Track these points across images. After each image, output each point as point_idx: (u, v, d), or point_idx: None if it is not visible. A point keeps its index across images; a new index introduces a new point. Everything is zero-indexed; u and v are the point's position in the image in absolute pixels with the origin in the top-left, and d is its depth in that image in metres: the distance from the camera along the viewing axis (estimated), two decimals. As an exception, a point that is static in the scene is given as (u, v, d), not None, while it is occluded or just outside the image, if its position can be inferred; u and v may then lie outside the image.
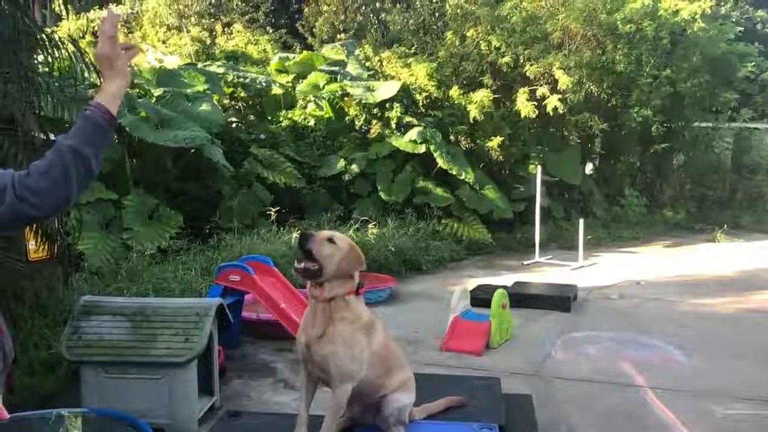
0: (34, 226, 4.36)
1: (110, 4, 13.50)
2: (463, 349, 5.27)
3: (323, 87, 10.66)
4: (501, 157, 11.07)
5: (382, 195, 9.62)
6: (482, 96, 10.40)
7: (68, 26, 11.26)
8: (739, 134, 14.14)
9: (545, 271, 8.69)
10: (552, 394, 4.45)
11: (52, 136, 4.66)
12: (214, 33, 14.22)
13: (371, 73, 11.32)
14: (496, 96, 10.76)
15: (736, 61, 12.83)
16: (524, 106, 10.53)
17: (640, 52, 11.02)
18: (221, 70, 10.57)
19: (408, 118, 10.32)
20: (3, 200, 1.64)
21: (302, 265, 2.86)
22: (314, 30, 15.01)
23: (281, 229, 7.94)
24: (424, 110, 10.88)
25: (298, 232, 7.65)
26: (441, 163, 9.73)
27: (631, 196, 12.41)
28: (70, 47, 4.51)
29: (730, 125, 13.60)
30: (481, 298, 6.28)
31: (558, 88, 10.59)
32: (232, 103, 11.17)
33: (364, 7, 15.34)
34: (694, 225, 12.62)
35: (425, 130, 9.94)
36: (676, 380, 4.69)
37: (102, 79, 1.81)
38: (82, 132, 1.71)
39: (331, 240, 2.89)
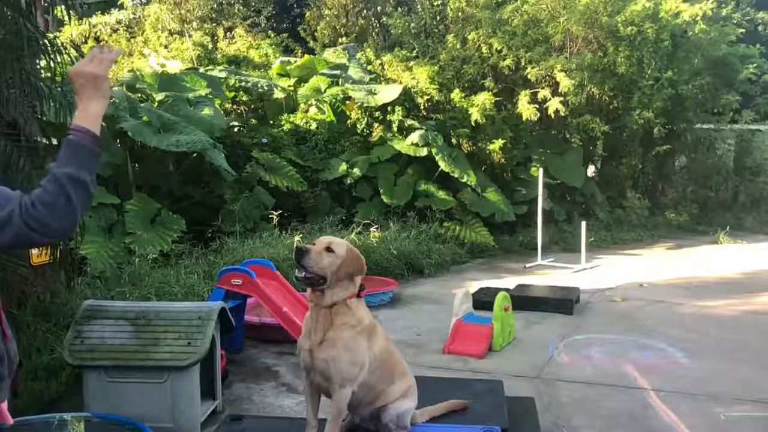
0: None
1: (113, 8, 13.54)
2: (465, 352, 5.26)
3: (325, 91, 10.67)
4: (503, 160, 11.08)
5: (384, 198, 9.62)
6: (484, 99, 10.41)
7: (70, 31, 11.28)
8: (741, 136, 14.12)
9: (547, 274, 8.68)
10: (555, 397, 4.44)
11: (54, 141, 4.68)
12: (215, 37, 14.25)
13: (373, 76, 11.33)
14: (497, 99, 10.77)
15: (737, 62, 12.82)
16: (526, 108, 10.54)
17: (641, 55, 11.02)
18: (223, 75, 10.59)
19: (410, 122, 10.32)
20: (10, 225, 1.68)
21: (303, 274, 2.84)
22: (316, 34, 15.03)
23: (283, 232, 7.95)
24: (425, 113, 10.90)
25: (300, 236, 7.66)
26: (443, 166, 9.74)
27: (633, 198, 12.39)
28: (73, 52, 4.54)
29: (732, 127, 13.58)
30: (483, 300, 6.28)
31: (559, 90, 10.60)
32: (234, 107, 11.19)
33: (365, 11, 15.37)
34: (696, 227, 12.59)
35: (427, 133, 9.95)
36: (679, 383, 4.68)
37: (81, 99, 1.79)
38: (75, 158, 1.73)
39: (329, 248, 2.85)
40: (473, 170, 10.12)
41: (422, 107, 10.77)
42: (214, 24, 15.06)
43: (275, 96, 10.89)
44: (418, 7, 12.96)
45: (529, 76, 10.73)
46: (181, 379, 3.71)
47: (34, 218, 1.67)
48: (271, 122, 10.82)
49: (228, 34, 14.56)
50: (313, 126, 10.62)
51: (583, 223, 9.47)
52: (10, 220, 1.67)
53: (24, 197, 1.70)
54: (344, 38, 14.54)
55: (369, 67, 11.65)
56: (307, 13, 15.62)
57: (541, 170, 9.88)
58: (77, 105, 1.79)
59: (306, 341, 2.94)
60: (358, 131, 10.55)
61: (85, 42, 12.24)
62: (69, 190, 1.68)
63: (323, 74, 10.96)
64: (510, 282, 7.71)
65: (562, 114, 10.64)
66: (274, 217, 8.22)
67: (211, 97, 9.35)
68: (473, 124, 10.54)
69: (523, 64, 10.85)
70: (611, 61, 10.94)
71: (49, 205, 1.67)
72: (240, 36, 14.22)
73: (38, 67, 4.63)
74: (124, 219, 7.27)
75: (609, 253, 10.23)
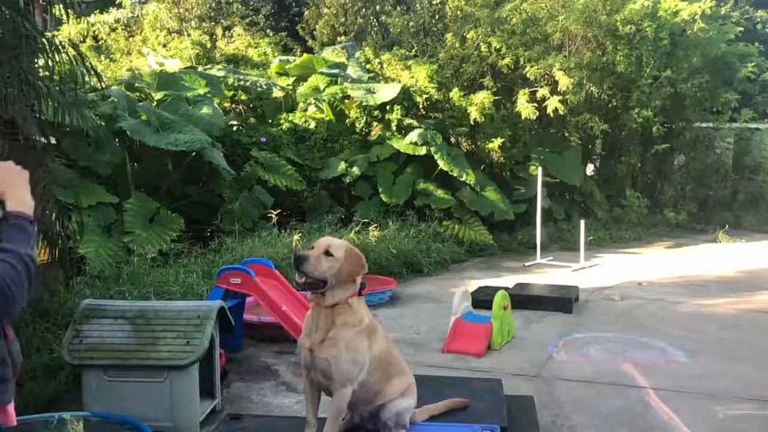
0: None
1: (111, 7, 13.52)
2: (464, 351, 5.26)
3: (324, 90, 10.66)
4: (502, 159, 11.07)
5: (383, 197, 9.61)
6: (483, 98, 10.40)
7: (69, 30, 11.26)
8: (739, 134, 14.13)
9: (546, 273, 8.68)
10: (554, 396, 4.44)
11: (52, 140, 4.67)
12: (214, 36, 14.23)
13: (372, 75, 11.32)
14: (496, 98, 10.77)
15: (736, 61, 12.82)
16: (525, 107, 10.54)
17: (640, 53, 11.02)
18: (222, 74, 10.58)
19: (408, 121, 10.32)
20: None
21: (303, 279, 2.84)
22: (314, 33, 15.02)
23: (282, 231, 7.94)
24: (424, 112, 10.89)
25: (299, 235, 7.66)
26: (442, 165, 9.73)
27: (632, 196, 12.40)
28: (71, 51, 4.53)
29: (731, 125, 13.59)
30: (482, 299, 6.28)
31: (558, 89, 10.60)
32: (233, 106, 11.18)
33: (364, 10, 15.36)
34: (695, 225, 12.60)
35: (426, 132, 9.95)
36: (677, 381, 4.69)
37: (15, 192, 1.89)
38: (27, 239, 1.83)
39: (327, 252, 2.84)
40: (472, 169, 10.11)
41: (421, 106, 10.76)
42: (212, 23, 15.05)
43: (274, 95, 10.88)
44: (417, 5, 12.95)
45: (528, 75, 10.73)
46: (180, 379, 3.71)
47: (8, 298, 1.71)
48: (270, 121, 10.81)
49: (227, 32, 14.54)
50: (312, 125, 10.61)
51: (582, 222, 9.46)
52: None
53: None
54: (343, 37, 14.53)
55: (368, 66, 11.65)
56: (306, 12, 15.60)
57: (540, 169, 9.87)
58: (6, 196, 1.90)
59: (307, 340, 2.94)
60: (357, 130, 10.54)
61: (83, 41, 12.22)
62: (31, 268, 1.79)
63: (322, 73, 10.95)
64: (509, 281, 7.71)
65: (561, 113, 10.64)
66: (273, 216, 8.21)
67: (209, 96, 9.34)
68: (472, 123, 10.53)
69: (522, 62, 10.84)
70: (610, 59, 10.93)
71: (19, 285, 1.75)
72: (239, 35, 14.21)
73: (36, 65, 4.62)
74: (122, 218, 7.26)
75: (608, 252, 10.23)
